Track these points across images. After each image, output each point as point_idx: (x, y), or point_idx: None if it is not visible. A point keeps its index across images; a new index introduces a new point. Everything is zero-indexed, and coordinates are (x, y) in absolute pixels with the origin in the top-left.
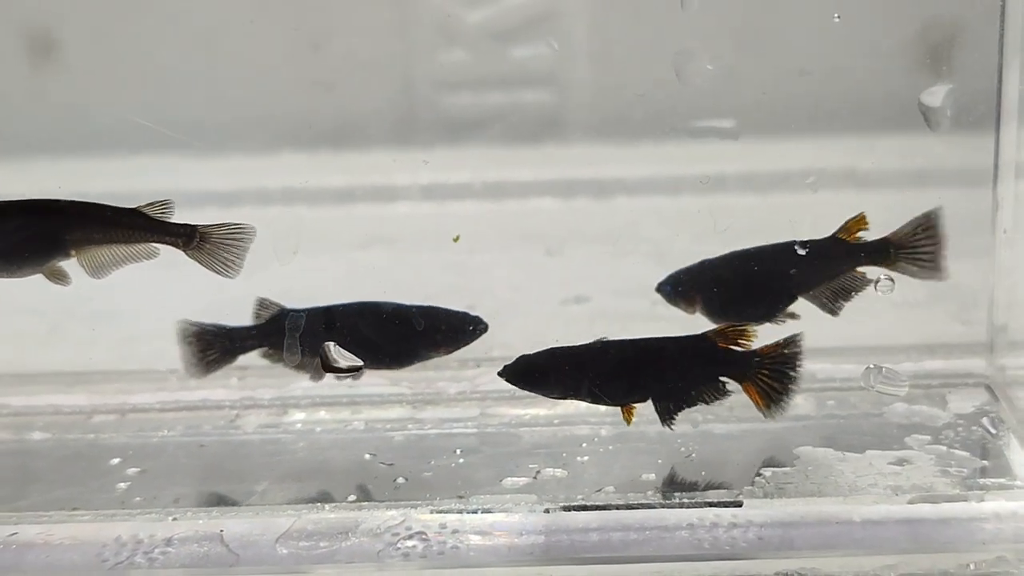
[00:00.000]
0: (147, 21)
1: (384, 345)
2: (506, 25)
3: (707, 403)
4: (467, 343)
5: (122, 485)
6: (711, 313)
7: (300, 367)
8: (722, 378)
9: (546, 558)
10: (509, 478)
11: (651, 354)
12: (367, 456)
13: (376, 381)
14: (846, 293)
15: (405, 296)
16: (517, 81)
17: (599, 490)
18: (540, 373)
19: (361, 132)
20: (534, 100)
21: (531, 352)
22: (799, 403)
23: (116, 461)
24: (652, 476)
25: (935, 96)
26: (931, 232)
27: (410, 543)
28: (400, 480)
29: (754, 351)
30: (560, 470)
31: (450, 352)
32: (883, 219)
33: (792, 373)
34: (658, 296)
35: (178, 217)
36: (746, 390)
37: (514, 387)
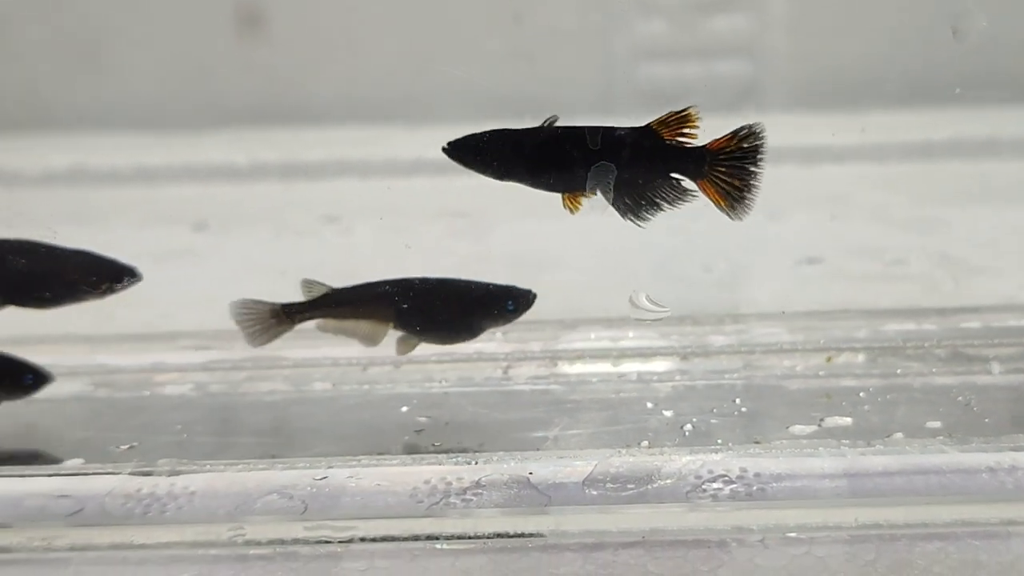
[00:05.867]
0: None
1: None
2: None
3: (669, 203)
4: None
5: (417, 431)
6: None
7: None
8: (675, 175)
9: (851, 500)
10: (796, 425)
11: (591, 141)
12: (648, 405)
13: (643, 334)
14: None
15: (638, 257)
16: (715, 51)
17: (888, 436)
18: (482, 151)
19: (561, 102)
20: (732, 70)
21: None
22: None
23: (405, 409)
24: (937, 424)
25: None
26: None
27: (715, 485)
28: (688, 427)
29: (704, 147)
30: (845, 418)
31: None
32: None
33: (753, 168)
34: (891, 257)
35: (391, 185)
36: (702, 188)
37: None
